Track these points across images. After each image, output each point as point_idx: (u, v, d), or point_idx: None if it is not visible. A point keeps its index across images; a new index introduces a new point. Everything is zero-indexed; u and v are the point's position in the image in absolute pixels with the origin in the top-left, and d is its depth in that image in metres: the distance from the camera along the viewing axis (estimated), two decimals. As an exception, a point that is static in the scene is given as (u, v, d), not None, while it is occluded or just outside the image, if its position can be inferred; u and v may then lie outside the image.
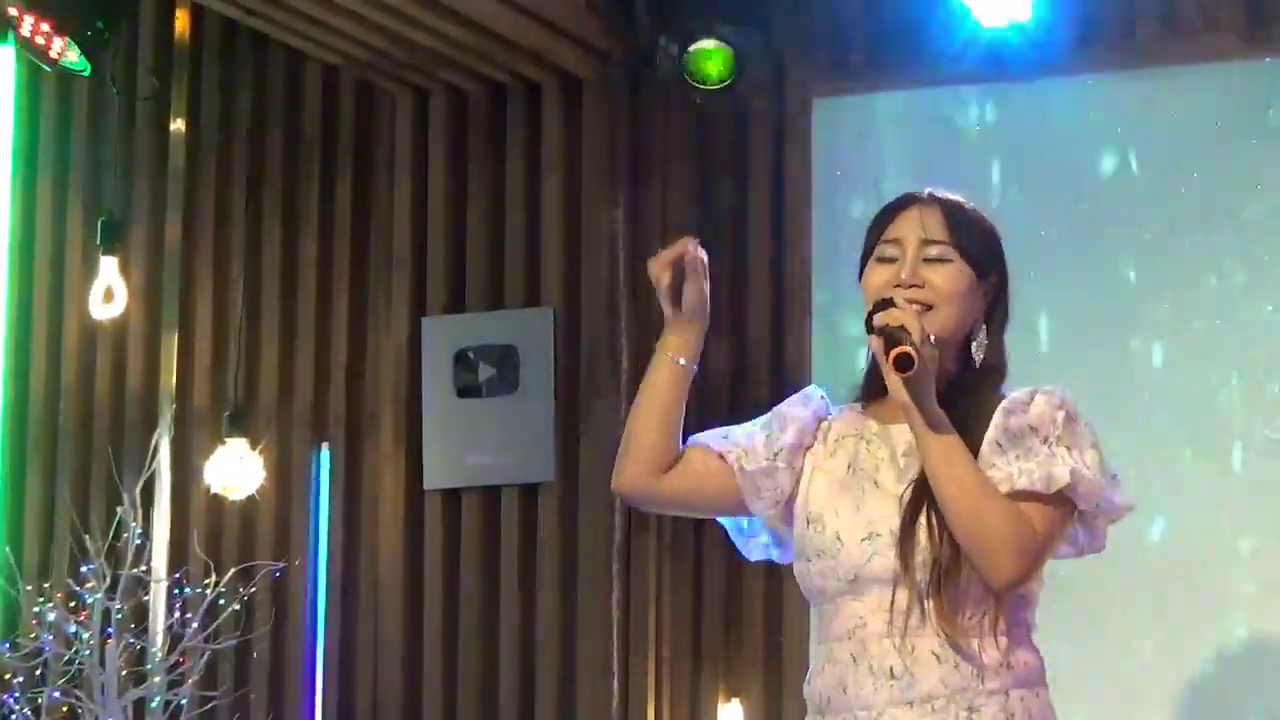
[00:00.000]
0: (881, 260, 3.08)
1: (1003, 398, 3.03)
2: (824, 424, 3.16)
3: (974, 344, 3.07)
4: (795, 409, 3.18)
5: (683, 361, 3.09)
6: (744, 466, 3.12)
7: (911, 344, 2.89)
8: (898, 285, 3.03)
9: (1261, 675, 5.40)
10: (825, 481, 3.09)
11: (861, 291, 3.09)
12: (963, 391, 3.04)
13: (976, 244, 3.08)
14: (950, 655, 2.94)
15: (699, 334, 3.10)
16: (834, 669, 3.00)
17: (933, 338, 2.94)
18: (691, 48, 5.64)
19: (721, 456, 3.14)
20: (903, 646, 2.95)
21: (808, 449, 3.14)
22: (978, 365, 3.07)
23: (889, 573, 2.96)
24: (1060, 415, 2.99)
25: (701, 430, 3.20)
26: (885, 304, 2.97)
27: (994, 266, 3.11)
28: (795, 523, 3.11)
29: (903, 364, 2.88)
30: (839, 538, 3.02)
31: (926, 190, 3.13)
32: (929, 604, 2.93)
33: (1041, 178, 5.66)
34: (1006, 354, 3.13)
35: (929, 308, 3.01)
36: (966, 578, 2.94)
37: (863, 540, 3.00)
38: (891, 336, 2.91)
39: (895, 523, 2.98)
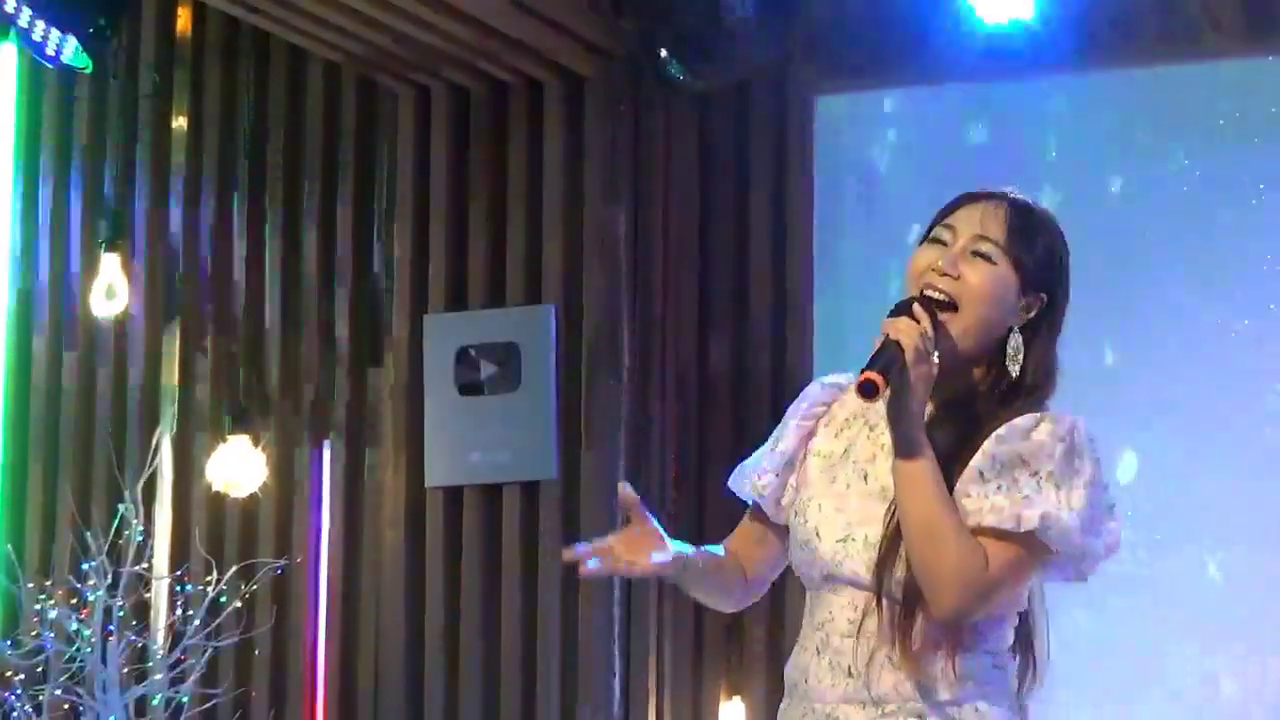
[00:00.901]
0: (933, 241, 2.99)
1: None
2: (830, 408, 3.10)
3: (1009, 356, 2.95)
4: (795, 411, 3.13)
5: (691, 555, 3.04)
6: (764, 495, 3.10)
7: (899, 363, 2.80)
8: (933, 269, 2.94)
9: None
10: (818, 466, 3.04)
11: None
12: (986, 403, 2.95)
13: (1032, 256, 2.96)
14: (907, 665, 2.89)
15: (670, 549, 3.00)
16: (803, 656, 2.99)
17: (935, 355, 2.86)
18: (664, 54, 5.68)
19: (756, 506, 3.13)
20: (863, 649, 2.91)
21: (810, 435, 3.08)
22: (1013, 378, 2.95)
23: (859, 577, 2.92)
24: (1059, 448, 2.86)
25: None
26: (903, 308, 2.89)
27: (1046, 284, 2.98)
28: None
29: (865, 390, 2.78)
30: (817, 533, 2.98)
31: (1006, 190, 3.03)
32: (896, 627, 2.88)
33: (1042, 177, 5.66)
34: (1050, 376, 2.99)
35: (955, 308, 2.92)
36: None
37: (838, 541, 2.95)
38: (880, 351, 2.82)
39: (874, 529, 2.92)
